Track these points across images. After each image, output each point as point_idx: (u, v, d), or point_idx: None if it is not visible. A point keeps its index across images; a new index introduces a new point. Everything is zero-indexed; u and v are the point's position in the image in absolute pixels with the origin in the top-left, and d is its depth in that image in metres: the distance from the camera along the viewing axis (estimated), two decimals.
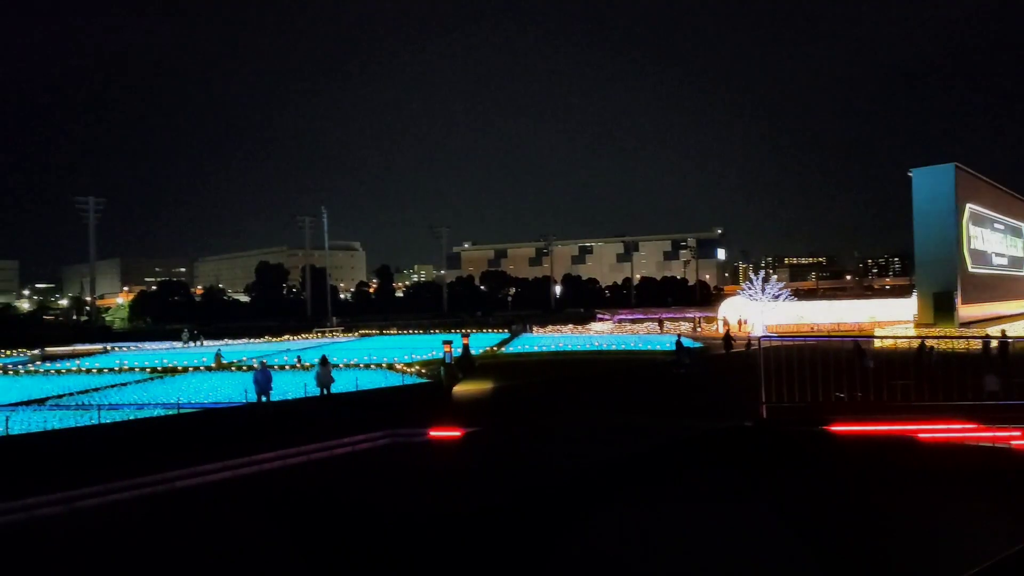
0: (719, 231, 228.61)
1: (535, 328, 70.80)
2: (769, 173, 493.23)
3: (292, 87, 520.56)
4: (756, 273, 61.00)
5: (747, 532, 10.19)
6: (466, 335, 39.31)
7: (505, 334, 63.47)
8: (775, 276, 66.58)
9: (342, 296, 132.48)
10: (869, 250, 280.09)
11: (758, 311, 56.70)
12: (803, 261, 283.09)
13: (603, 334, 62.95)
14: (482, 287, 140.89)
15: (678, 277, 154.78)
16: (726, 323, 57.80)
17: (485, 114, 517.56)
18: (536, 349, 47.07)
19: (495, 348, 47.69)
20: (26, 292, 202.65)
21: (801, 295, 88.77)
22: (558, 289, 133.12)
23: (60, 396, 27.47)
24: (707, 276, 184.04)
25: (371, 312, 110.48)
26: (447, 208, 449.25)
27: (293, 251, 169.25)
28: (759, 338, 18.99)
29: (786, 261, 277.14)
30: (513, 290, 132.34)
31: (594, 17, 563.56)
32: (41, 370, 39.52)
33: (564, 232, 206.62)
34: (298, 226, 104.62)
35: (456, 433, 18.16)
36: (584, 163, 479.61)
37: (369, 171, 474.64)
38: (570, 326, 74.69)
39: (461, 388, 27.55)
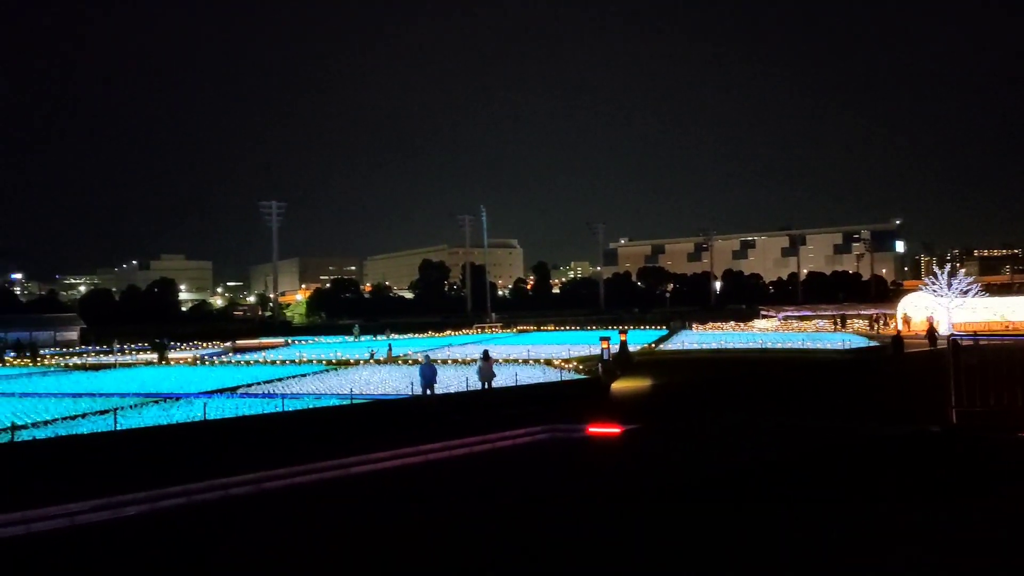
0: (897, 222, 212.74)
1: (695, 325, 68.98)
2: (955, 157, 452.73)
3: (453, 91, 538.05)
4: (941, 267, 55.88)
5: (935, 551, 9.35)
6: (624, 331, 38.87)
7: (663, 331, 62.26)
8: (963, 270, 60.94)
9: (500, 292, 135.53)
10: None
11: (944, 308, 52.15)
12: (995, 253, 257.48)
13: (768, 331, 60.27)
14: (639, 283, 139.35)
15: (850, 272, 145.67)
16: (926, 321, 53.38)
17: (639, 108, 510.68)
18: (696, 346, 45.84)
19: (653, 345, 46.86)
20: (219, 290, 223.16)
21: (994, 291, 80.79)
22: (718, 285, 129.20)
23: (249, 385, 29.85)
24: (883, 271, 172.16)
25: (528, 308, 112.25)
26: (604, 204, 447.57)
27: (454, 249, 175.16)
28: (948, 336, 17.48)
29: (975, 253, 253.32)
30: (671, 286, 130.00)
31: (747, 4, 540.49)
32: (232, 361, 43.22)
33: (724, 226, 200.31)
34: (459, 225, 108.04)
35: (615, 430, 18.02)
36: (745, 153, 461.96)
37: (527, 169, 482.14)
38: (732, 323, 72.13)
39: (619, 385, 27.32)
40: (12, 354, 48.42)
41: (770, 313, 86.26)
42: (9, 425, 19.63)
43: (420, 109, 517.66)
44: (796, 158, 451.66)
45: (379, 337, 61.56)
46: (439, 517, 11.63)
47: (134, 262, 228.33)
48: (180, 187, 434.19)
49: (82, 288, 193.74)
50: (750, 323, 72.45)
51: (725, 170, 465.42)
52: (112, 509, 11.86)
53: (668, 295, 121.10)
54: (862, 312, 76.44)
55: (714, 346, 45.51)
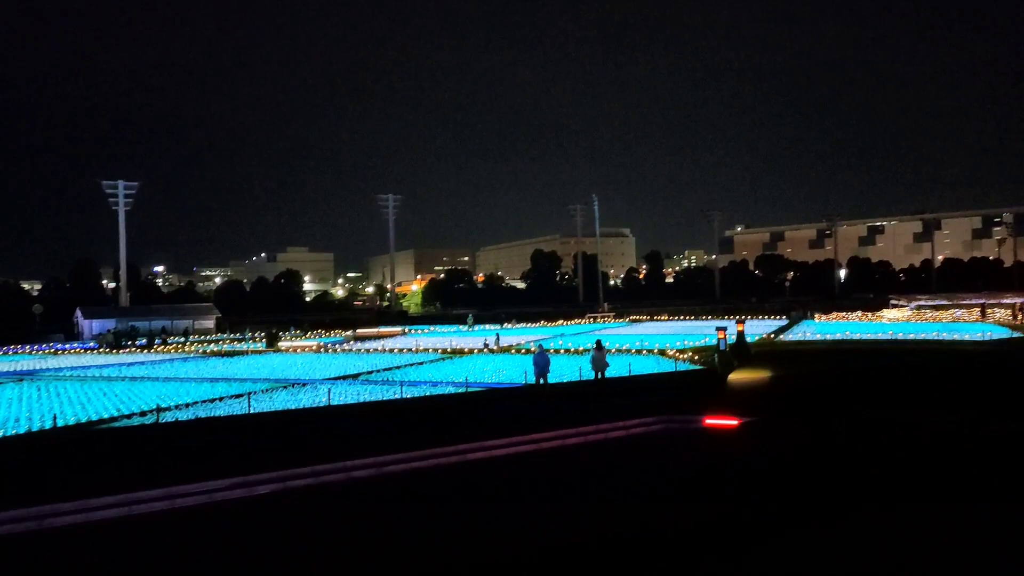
0: None
1: (817, 315, 66.15)
2: None
3: (565, 79, 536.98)
4: None
5: None
6: (740, 321, 37.78)
7: (783, 321, 60.08)
8: None
9: (612, 282, 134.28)
10: None
11: None
12: None
13: (898, 322, 57.01)
14: (756, 272, 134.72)
15: (991, 258, 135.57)
16: None
17: (756, 88, 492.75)
18: (819, 337, 43.95)
19: (772, 335, 45.28)
20: (340, 281, 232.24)
21: None
22: (843, 273, 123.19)
23: (369, 372, 31.01)
24: None
25: (640, 298, 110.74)
26: (719, 190, 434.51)
27: (565, 239, 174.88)
28: None
29: None
30: (791, 275, 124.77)
31: None
32: (353, 349, 44.98)
33: (849, 211, 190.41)
34: (570, 214, 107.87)
35: (733, 422, 17.57)
36: (872, 132, 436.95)
37: (639, 156, 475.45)
38: (858, 313, 68.67)
39: (736, 376, 26.59)
40: (127, 343, 52.29)
41: (901, 302, 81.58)
42: (155, 407, 21.25)
43: (532, 98, 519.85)
44: (929, 136, 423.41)
45: (506, 326, 62.91)
46: (548, 505, 11.71)
47: (263, 255, 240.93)
48: (304, 183, 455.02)
49: (217, 279, 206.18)
50: (878, 313, 68.76)
51: (850, 151, 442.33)
52: (247, 487, 12.62)
53: (788, 284, 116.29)
54: (1004, 301, 71.01)
55: (838, 337, 43.49)
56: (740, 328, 34.86)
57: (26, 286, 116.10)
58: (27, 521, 10.90)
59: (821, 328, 51.63)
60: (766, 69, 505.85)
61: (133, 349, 49.35)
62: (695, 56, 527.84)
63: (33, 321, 67.23)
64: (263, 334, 54.56)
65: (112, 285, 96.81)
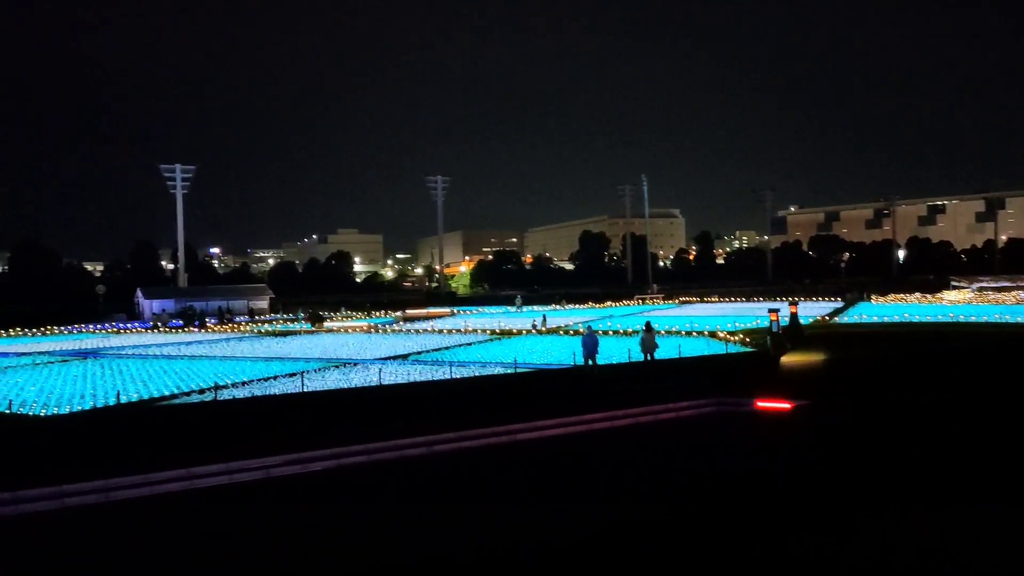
0: None
1: (874, 297, 64.52)
2: None
3: (613, 60, 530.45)
4: None
5: None
6: (794, 303, 37.06)
7: (838, 303, 58.76)
8: None
9: (661, 263, 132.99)
10: None
11: None
12: None
13: (959, 304, 55.27)
14: (810, 253, 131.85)
15: None
16: None
17: (809, 65, 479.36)
18: (876, 320, 42.89)
19: (827, 318, 44.35)
20: (389, 262, 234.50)
21: None
22: (901, 254, 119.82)
23: (419, 352, 31.36)
24: None
25: (690, 279, 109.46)
26: (772, 170, 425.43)
27: (614, 220, 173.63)
28: None
29: None
30: (846, 255, 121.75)
31: None
32: (403, 330, 45.49)
33: (908, 190, 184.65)
34: (619, 195, 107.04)
35: (785, 405, 17.29)
36: (930, 108, 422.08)
37: (689, 136, 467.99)
38: (916, 295, 66.82)
39: (789, 359, 26.12)
40: (178, 323, 53.91)
41: (962, 284, 79.12)
42: (213, 385, 21.83)
43: (580, 80, 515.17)
44: (992, 111, 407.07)
45: (557, 307, 63.08)
46: (599, 486, 11.71)
47: (314, 236, 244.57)
48: (354, 166, 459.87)
49: (270, 261, 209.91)
50: (938, 295, 66.80)
51: (908, 129, 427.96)
52: (302, 463, 12.89)
53: (843, 265, 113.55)
54: None
55: (896, 319, 42.37)
56: (793, 310, 34.19)
57: (89, 267, 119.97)
58: (94, 493, 11.34)
59: (878, 310, 50.40)
60: (820, 45, 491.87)
61: (192, 328, 50.70)
62: (747, 35, 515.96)
63: (97, 301, 69.49)
64: (307, 314, 55.65)
65: (171, 266, 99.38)
